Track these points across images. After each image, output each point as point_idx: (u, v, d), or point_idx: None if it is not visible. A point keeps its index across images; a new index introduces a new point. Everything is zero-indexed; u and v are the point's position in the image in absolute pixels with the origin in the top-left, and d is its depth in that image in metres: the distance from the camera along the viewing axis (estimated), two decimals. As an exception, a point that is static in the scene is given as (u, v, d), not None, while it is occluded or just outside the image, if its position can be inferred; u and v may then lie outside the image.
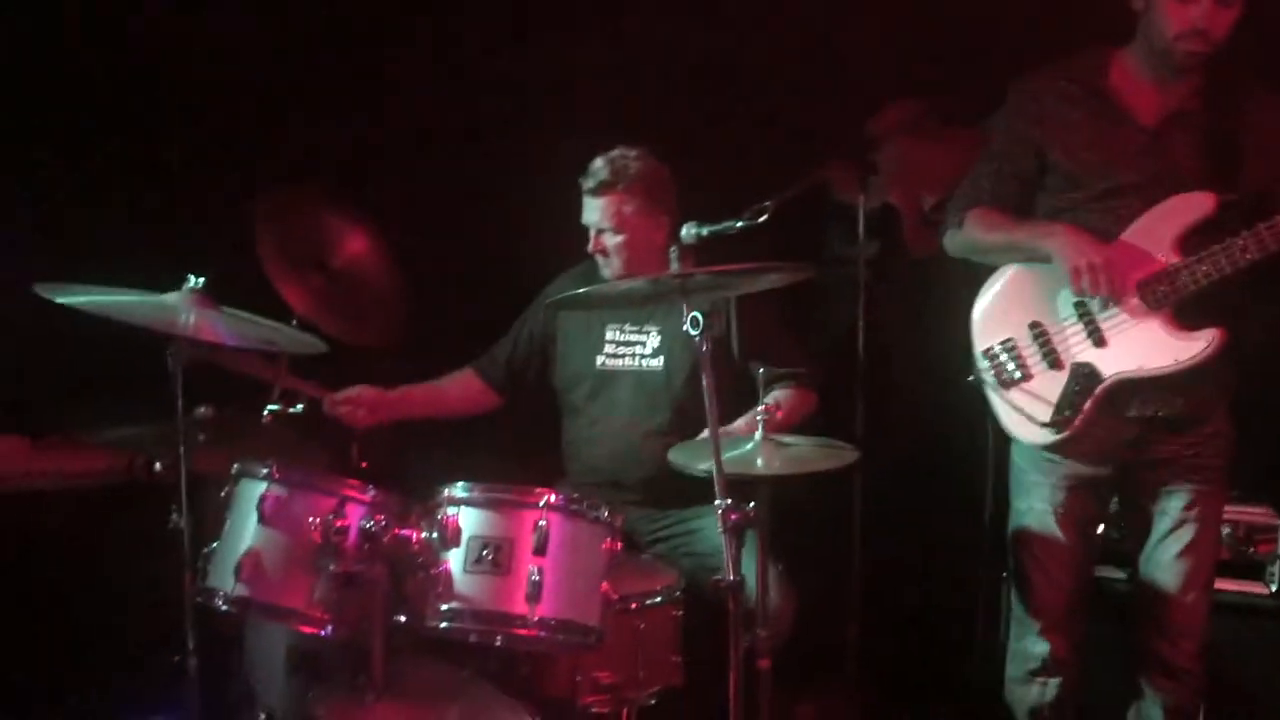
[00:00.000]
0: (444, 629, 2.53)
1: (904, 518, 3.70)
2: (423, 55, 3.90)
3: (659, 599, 2.93)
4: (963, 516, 3.49)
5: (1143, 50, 2.90)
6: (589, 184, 3.32)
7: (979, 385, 3.04)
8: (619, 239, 3.32)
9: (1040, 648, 3.06)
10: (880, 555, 3.57)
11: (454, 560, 2.55)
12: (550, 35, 3.88)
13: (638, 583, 2.90)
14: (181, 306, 2.70)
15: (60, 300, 2.61)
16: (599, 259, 3.36)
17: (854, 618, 3.54)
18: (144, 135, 3.71)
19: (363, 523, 2.57)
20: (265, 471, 2.63)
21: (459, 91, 3.90)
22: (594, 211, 3.33)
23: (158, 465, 3.37)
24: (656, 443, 3.19)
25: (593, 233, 3.35)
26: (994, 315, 3.05)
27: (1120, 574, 3.21)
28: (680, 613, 2.98)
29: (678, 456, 2.90)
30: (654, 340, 3.39)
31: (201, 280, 2.74)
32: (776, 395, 3.27)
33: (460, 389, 3.59)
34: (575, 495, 2.69)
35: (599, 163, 3.32)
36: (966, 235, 3.07)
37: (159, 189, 3.72)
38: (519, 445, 3.73)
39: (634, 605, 2.85)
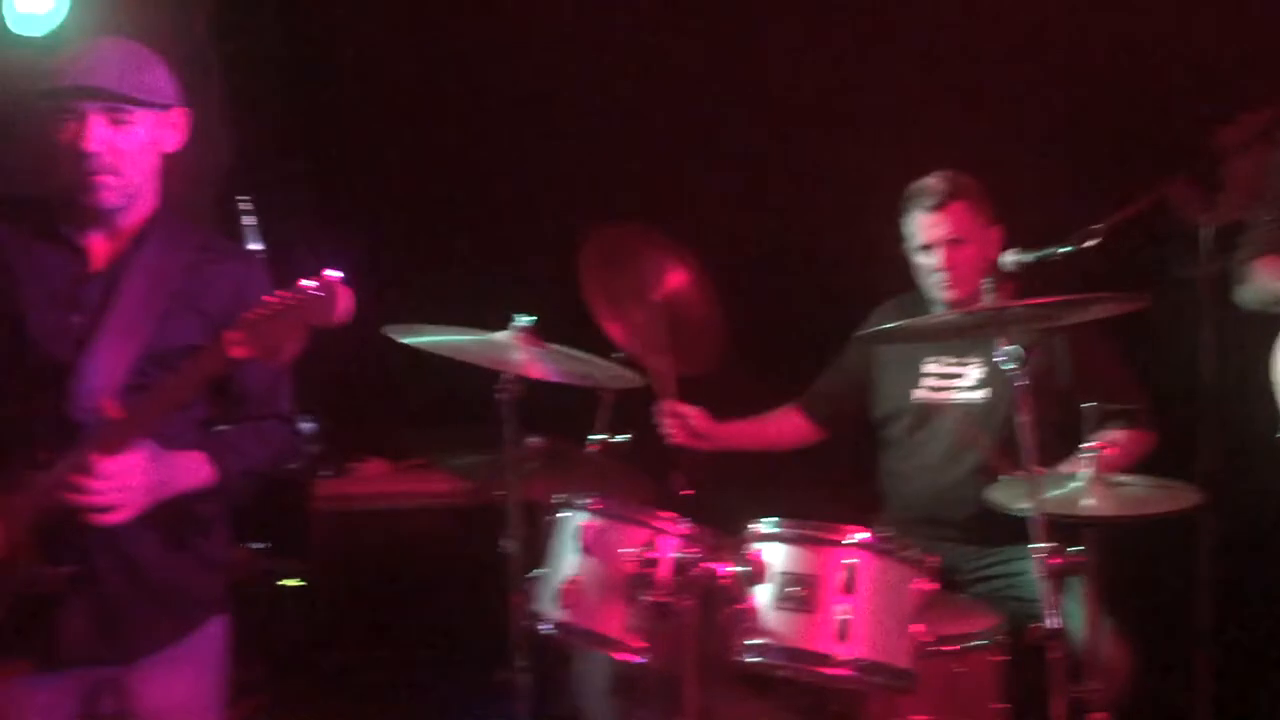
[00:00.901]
0: (752, 663, 2.56)
1: (1259, 567, 3.37)
2: (738, 88, 3.97)
3: (978, 642, 2.80)
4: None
5: None
6: (928, 201, 3.24)
7: None
8: (967, 249, 3.22)
9: None
10: (1230, 607, 3.28)
11: (762, 595, 2.57)
12: (864, 59, 3.85)
13: (955, 624, 2.79)
14: (510, 344, 2.89)
15: (405, 340, 2.86)
16: (940, 277, 3.25)
17: (1202, 676, 3.26)
18: (477, 182, 4.00)
19: (674, 555, 2.64)
20: (585, 502, 2.76)
21: (772, 121, 3.94)
22: (940, 227, 3.22)
23: (496, 491, 3.64)
24: (977, 479, 3.08)
25: (941, 251, 3.24)
26: None
27: None
28: (1003, 658, 2.85)
29: (997, 494, 2.80)
30: (976, 372, 3.27)
31: (529, 319, 2.93)
32: (1110, 434, 3.08)
33: (783, 425, 3.60)
34: (885, 534, 2.64)
35: (932, 180, 3.25)
36: (1258, 285, 2.90)
37: (492, 232, 3.99)
38: (843, 477, 3.70)
39: (950, 647, 2.75)
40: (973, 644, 2.79)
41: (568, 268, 3.31)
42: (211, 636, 2.52)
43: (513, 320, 2.92)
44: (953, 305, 3.22)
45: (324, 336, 2.27)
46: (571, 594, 2.69)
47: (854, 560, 2.54)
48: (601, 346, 3.22)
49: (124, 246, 2.39)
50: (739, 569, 2.60)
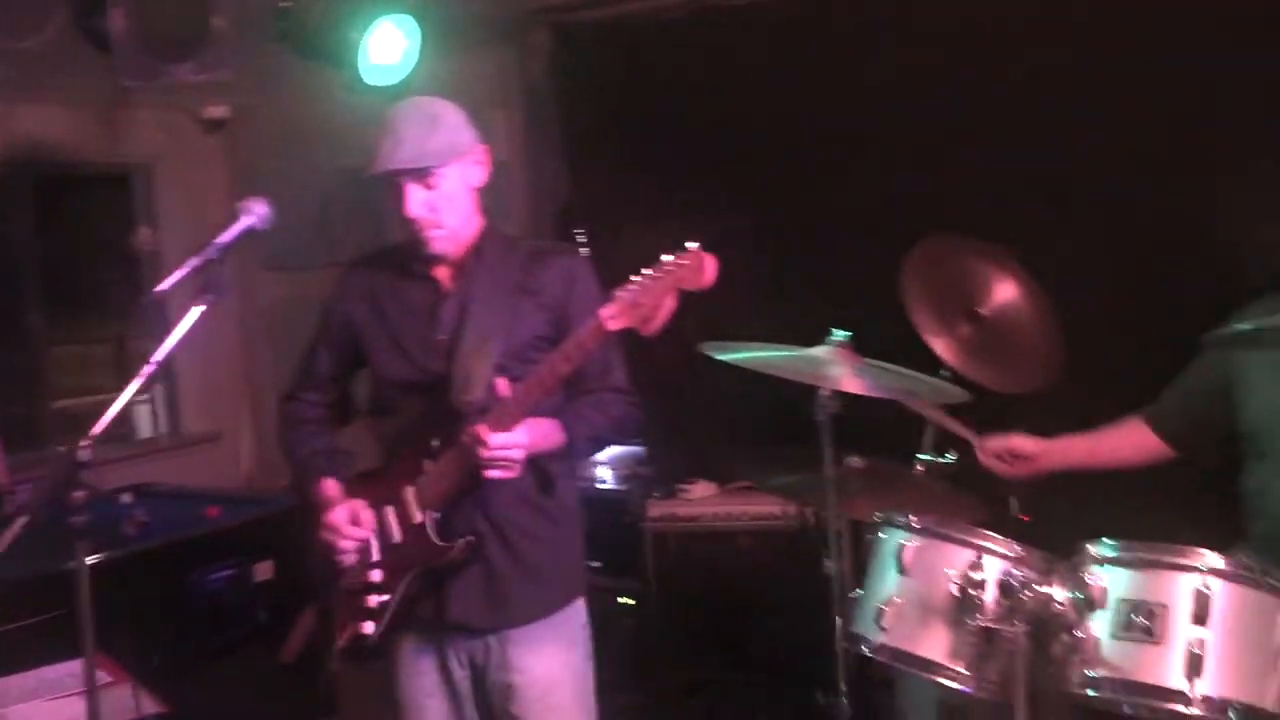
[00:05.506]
0: (1089, 697, 2.36)
1: None
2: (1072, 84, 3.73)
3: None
4: None
5: None
6: None
7: None
8: None
9: None
10: None
11: (1100, 624, 2.37)
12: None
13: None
14: (827, 360, 2.83)
15: (720, 357, 2.86)
16: None
17: None
18: (798, 196, 3.96)
19: (1001, 577, 2.48)
20: (904, 521, 2.66)
21: (1108, 120, 3.67)
22: None
23: (817, 512, 3.57)
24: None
25: None
26: None
27: None
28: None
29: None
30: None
31: (846, 334, 2.86)
32: None
33: (1125, 439, 3.29)
34: (1244, 560, 2.37)
35: None
36: None
37: (810, 245, 3.95)
38: (1194, 499, 3.36)
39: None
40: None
41: (889, 280, 3.22)
42: (575, 616, 2.78)
43: (829, 335, 2.87)
44: None
45: (654, 358, 2.35)
46: (890, 615, 2.59)
47: (1207, 587, 2.30)
48: (924, 363, 3.11)
49: (465, 265, 2.72)
50: (1074, 595, 2.42)
